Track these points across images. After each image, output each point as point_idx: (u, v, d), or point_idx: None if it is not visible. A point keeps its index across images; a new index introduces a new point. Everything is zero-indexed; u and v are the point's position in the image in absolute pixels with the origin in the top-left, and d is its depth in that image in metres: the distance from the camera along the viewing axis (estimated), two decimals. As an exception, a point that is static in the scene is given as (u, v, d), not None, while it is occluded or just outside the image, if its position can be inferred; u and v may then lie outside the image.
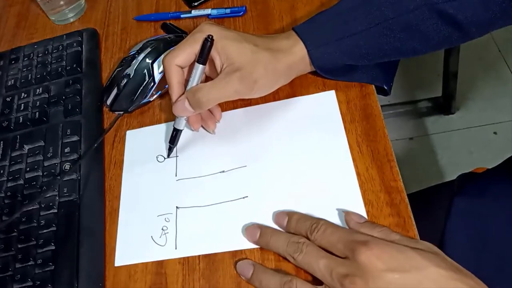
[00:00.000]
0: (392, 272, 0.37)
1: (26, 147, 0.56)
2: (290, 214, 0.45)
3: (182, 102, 0.49)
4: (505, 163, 0.65)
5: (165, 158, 0.53)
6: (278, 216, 0.45)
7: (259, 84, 0.48)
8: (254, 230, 0.45)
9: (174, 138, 0.52)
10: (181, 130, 0.52)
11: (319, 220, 0.43)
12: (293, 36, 0.50)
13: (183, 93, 0.50)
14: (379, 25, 0.48)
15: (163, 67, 0.50)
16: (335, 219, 0.44)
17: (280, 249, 0.43)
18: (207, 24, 0.49)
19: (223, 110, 0.54)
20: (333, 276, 0.39)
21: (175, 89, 0.50)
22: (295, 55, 0.49)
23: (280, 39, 0.50)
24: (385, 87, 0.52)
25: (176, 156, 0.53)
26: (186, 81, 0.50)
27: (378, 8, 0.48)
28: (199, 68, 0.49)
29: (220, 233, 0.46)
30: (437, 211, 0.63)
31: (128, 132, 0.56)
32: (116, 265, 0.47)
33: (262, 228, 0.45)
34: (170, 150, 0.53)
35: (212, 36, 0.48)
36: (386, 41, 0.49)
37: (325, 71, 0.51)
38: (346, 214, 0.44)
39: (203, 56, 0.48)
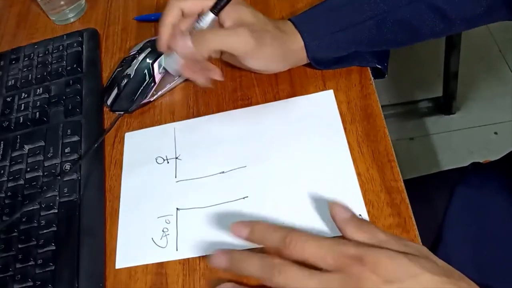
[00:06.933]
0: (388, 284, 0.36)
1: (27, 147, 0.56)
2: (252, 224, 0.41)
3: (185, 38, 0.48)
4: (508, 155, 0.65)
5: (164, 160, 0.53)
6: (235, 226, 0.40)
7: (266, 46, 0.49)
8: (221, 256, 0.40)
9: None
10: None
11: (291, 231, 0.39)
12: (293, 26, 0.51)
13: (169, 37, 0.49)
14: (373, 19, 0.50)
15: (167, 4, 0.49)
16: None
17: (254, 273, 0.39)
18: None
19: (222, 110, 0.54)
20: None
21: (166, 28, 0.49)
22: (298, 43, 0.50)
23: (286, 24, 0.51)
24: (379, 66, 0.53)
25: (176, 158, 0.53)
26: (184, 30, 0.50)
27: (372, 2, 0.50)
28: (210, 16, 0.48)
29: (221, 233, 0.46)
30: (438, 198, 0.63)
31: (127, 134, 0.56)
32: (117, 267, 0.47)
33: (231, 253, 0.40)
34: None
35: None
36: (378, 34, 0.50)
37: (318, 63, 0.52)
38: (331, 208, 0.41)
39: (218, 6, 0.48)
